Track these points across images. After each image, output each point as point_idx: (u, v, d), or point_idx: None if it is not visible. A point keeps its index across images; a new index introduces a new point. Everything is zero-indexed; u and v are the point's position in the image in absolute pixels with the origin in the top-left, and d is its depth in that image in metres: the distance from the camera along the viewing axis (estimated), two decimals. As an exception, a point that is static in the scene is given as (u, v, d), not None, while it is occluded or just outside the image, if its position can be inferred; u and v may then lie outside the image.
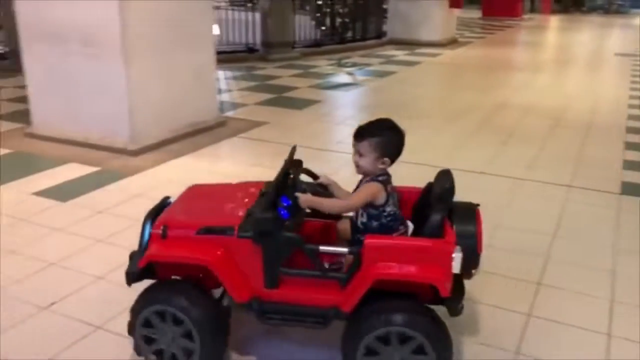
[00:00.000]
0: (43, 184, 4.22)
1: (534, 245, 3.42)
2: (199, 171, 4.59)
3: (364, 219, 2.25)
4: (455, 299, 2.12)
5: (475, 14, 20.12)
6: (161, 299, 2.16)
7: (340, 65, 9.77)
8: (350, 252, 2.14)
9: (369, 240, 2.06)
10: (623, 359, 2.45)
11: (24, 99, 6.74)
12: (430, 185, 2.34)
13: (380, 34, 12.83)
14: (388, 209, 2.22)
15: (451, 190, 2.19)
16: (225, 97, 7.23)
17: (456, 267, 2.02)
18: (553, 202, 4.10)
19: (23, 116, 5.89)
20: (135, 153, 4.90)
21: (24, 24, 5.13)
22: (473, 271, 2.21)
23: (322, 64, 10.01)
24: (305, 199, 2.24)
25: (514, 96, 7.68)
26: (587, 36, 16.38)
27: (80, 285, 2.88)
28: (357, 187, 2.32)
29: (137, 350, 2.25)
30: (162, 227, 2.20)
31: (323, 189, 2.40)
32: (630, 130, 6.05)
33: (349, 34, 12.19)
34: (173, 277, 2.31)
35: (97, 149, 4.97)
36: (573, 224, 3.76)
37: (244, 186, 2.50)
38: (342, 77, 8.87)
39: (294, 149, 2.48)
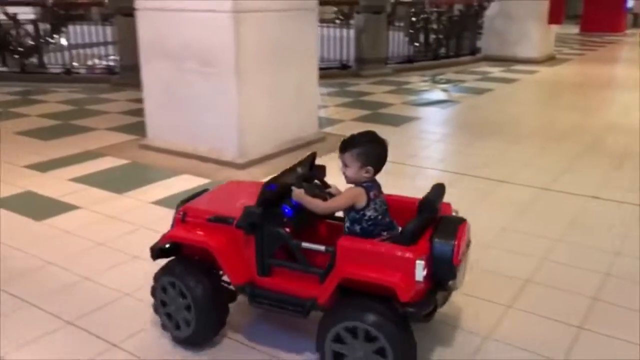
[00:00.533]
0: (160, 194, 4.47)
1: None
2: (303, 186, 4.70)
3: (348, 224, 2.40)
4: (420, 306, 2.18)
5: (572, 29, 19.34)
6: (173, 272, 2.52)
7: (434, 81, 9.69)
8: (326, 251, 2.31)
9: (341, 242, 2.25)
10: None
11: (135, 112, 7.23)
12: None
13: (474, 51, 12.64)
14: (368, 213, 2.34)
15: (432, 202, 2.34)
16: (321, 113, 7.35)
17: (419, 275, 2.11)
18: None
19: (136, 129, 6.29)
20: (242, 167, 5.09)
21: (145, 42, 5.49)
22: (450, 282, 2.28)
23: (415, 80, 9.98)
24: (296, 193, 2.42)
25: (622, 117, 7.30)
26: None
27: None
28: None
29: (155, 310, 2.66)
30: (182, 213, 2.59)
31: (330, 197, 2.54)
32: None
33: (442, 50, 12.09)
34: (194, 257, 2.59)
35: (206, 161, 5.21)
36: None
37: None
38: (437, 94, 8.80)
39: (313, 155, 2.71)
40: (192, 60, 5.13)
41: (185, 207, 2.62)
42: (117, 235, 3.75)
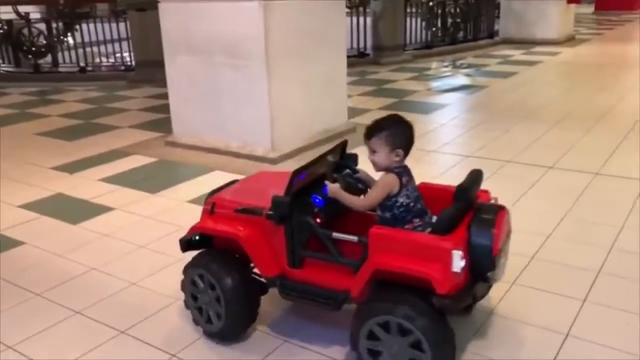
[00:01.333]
0: (195, 192, 4.30)
1: None
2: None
3: (379, 211, 2.31)
4: (457, 299, 2.06)
5: (587, 9, 18.98)
6: (203, 264, 2.46)
7: (455, 66, 9.47)
8: (359, 241, 2.21)
9: (374, 231, 2.14)
10: None
11: (156, 109, 7.09)
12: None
13: (492, 34, 12.38)
14: (401, 199, 2.26)
15: (467, 189, 2.21)
16: (347, 103, 7.17)
17: (456, 265, 2.00)
18: None
19: (160, 125, 6.16)
20: (275, 161, 4.93)
21: (169, 36, 5.32)
22: (489, 274, 2.16)
23: (436, 66, 9.77)
24: (332, 189, 2.32)
25: (657, 95, 7.06)
26: None
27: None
28: None
29: (186, 305, 2.59)
30: (211, 204, 2.52)
31: (360, 182, 2.45)
32: None
33: (461, 35, 11.84)
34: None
35: (237, 157, 5.05)
36: None
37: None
38: (461, 79, 8.58)
39: (344, 143, 2.58)
40: (220, 52, 4.96)
41: (213, 198, 2.57)
42: (157, 236, 3.60)
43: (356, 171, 2.53)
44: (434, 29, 11.41)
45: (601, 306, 2.70)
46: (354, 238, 2.23)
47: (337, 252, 2.28)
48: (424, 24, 11.30)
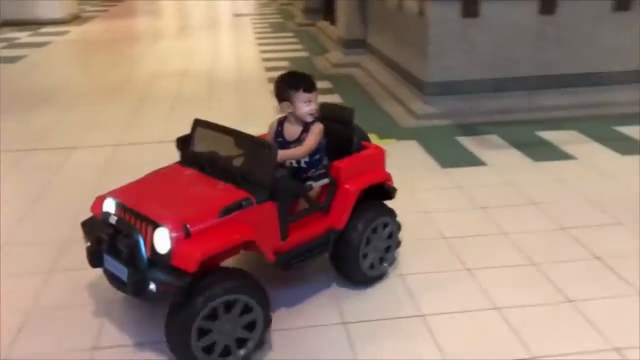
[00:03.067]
0: None
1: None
2: None
3: (307, 158, 2.54)
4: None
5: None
6: (232, 289, 2.09)
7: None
8: (330, 181, 2.52)
9: (340, 165, 2.53)
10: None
11: None
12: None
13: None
14: (324, 142, 2.61)
15: (352, 110, 2.70)
16: None
17: (386, 163, 2.70)
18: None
19: None
20: None
21: None
22: None
23: None
24: (279, 153, 2.35)
25: (162, 64, 7.82)
26: (201, 3, 17.25)
27: None
28: (279, 131, 2.59)
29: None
30: (182, 227, 2.06)
31: None
32: (271, 80, 6.84)
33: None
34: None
35: None
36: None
37: (167, 173, 2.49)
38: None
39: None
40: None
41: (176, 221, 2.06)
42: None
43: None
44: None
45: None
46: (326, 180, 2.49)
47: (318, 203, 2.48)
48: None
